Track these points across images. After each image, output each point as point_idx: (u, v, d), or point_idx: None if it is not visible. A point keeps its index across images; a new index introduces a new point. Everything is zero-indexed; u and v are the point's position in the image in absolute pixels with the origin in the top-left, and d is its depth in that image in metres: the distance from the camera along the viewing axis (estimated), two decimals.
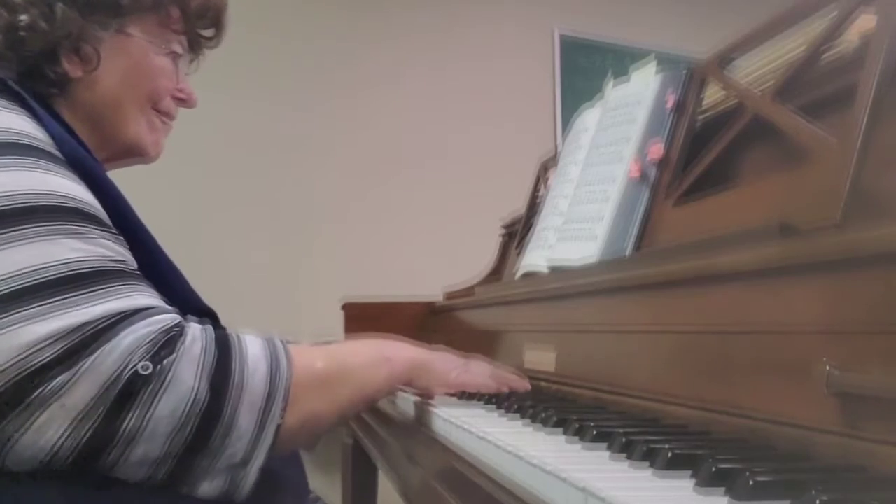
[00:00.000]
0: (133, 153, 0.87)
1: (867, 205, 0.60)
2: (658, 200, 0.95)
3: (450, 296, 1.82)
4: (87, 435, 0.58)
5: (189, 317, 0.69)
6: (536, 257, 1.20)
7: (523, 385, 0.98)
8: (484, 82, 3.11)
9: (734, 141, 0.84)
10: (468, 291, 1.70)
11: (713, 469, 0.47)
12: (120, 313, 0.61)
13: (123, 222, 0.70)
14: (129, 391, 0.59)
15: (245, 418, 0.64)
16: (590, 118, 1.22)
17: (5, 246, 0.60)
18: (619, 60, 3.10)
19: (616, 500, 0.44)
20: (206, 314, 0.75)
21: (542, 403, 0.82)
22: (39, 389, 0.57)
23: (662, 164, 0.97)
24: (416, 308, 1.84)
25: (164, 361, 0.61)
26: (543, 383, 1.03)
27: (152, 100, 0.86)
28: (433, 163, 2.98)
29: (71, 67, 0.78)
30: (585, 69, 3.29)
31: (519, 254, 1.39)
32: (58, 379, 0.57)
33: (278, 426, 0.66)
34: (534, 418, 0.75)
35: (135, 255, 0.70)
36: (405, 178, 2.93)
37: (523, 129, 3.10)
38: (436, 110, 3.03)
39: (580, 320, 0.97)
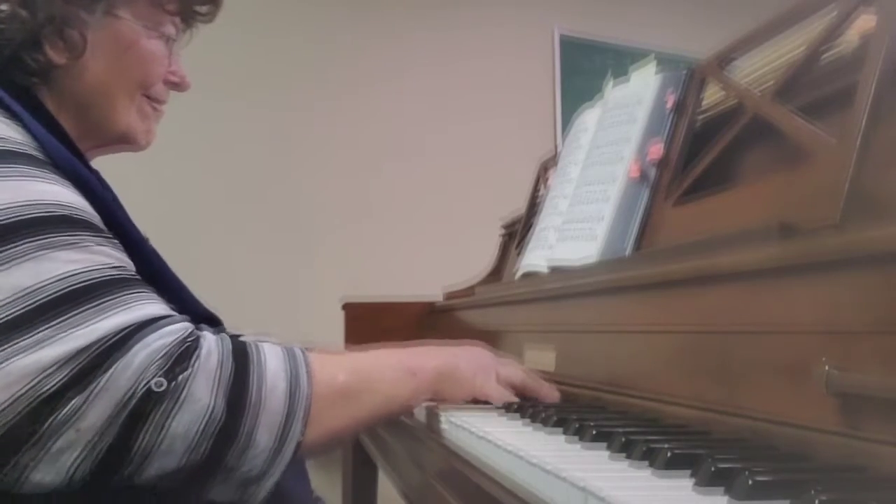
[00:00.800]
0: (123, 142, 0.83)
1: (866, 205, 0.60)
2: (658, 200, 0.95)
3: (450, 296, 1.82)
4: (102, 454, 0.56)
5: (202, 326, 0.66)
6: (536, 257, 1.20)
7: (553, 395, 0.89)
8: (484, 82, 3.11)
9: (734, 141, 0.84)
10: (468, 291, 1.70)
11: (713, 469, 0.47)
12: (129, 326, 0.58)
13: (114, 225, 0.67)
14: (143, 410, 0.56)
15: (263, 436, 0.62)
16: (590, 118, 1.22)
17: None
18: (619, 60, 3.10)
19: (616, 499, 0.44)
20: (207, 319, 0.73)
21: (542, 403, 0.82)
22: (53, 416, 0.54)
23: (662, 164, 0.97)
24: (416, 308, 1.84)
25: (179, 377, 0.58)
26: None
27: (143, 87, 0.81)
28: (433, 162, 2.97)
29: (55, 54, 0.73)
30: (585, 69, 3.29)
31: (519, 254, 1.39)
32: (72, 402, 0.55)
33: (298, 443, 0.64)
34: (534, 418, 0.75)
35: (129, 258, 0.67)
36: (405, 177, 2.92)
37: (523, 128, 3.10)
38: (436, 110, 3.03)
39: (580, 320, 0.97)
